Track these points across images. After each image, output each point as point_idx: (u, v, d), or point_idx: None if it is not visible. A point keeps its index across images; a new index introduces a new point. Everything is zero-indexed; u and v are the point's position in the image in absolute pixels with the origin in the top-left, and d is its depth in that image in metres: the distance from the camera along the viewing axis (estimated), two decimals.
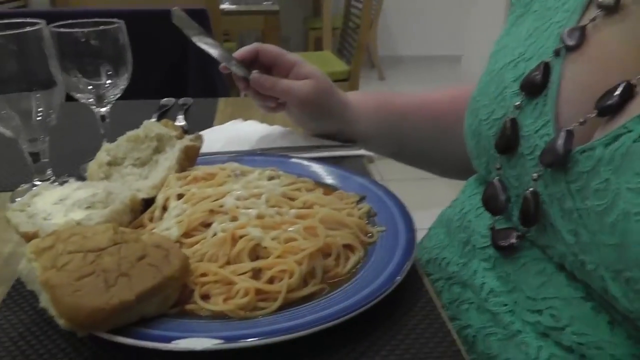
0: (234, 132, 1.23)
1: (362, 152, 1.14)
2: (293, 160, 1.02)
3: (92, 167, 0.90)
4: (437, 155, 1.17)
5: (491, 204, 0.77)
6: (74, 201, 0.79)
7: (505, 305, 0.74)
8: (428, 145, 1.17)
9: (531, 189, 0.68)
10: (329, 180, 0.95)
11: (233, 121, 1.31)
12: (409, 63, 7.20)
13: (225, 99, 1.59)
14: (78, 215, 0.76)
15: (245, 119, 1.32)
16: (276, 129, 1.24)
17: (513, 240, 0.73)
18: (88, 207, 0.78)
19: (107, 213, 0.76)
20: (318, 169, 0.99)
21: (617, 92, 0.63)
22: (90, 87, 1.04)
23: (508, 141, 0.73)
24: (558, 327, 0.67)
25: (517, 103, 0.73)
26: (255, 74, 1.09)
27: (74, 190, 0.82)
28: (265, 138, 1.18)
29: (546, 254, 0.71)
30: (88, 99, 1.05)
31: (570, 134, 0.65)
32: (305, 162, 1.01)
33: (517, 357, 0.71)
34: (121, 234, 0.66)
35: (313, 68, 1.10)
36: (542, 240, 0.70)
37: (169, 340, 0.59)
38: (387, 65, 6.72)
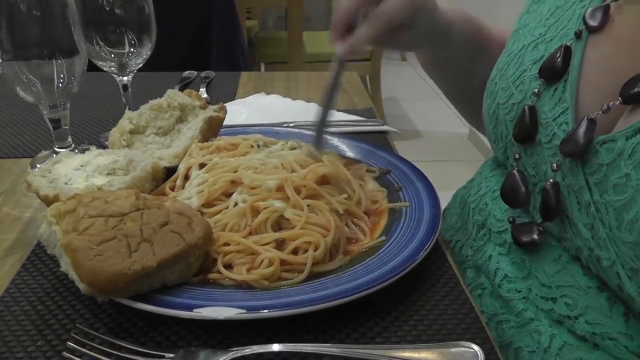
0: (257, 106, 1.22)
1: (385, 127, 1.12)
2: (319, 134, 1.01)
3: (114, 134, 0.89)
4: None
5: (510, 196, 0.73)
6: (95, 167, 0.78)
7: (519, 291, 0.71)
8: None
9: (551, 181, 0.65)
10: (353, 154, 0.94)
11: (256, 95, 1.30)
12: None
13: (248, 73, 1.58)
14: (99, 180, 0.75)
15: (268, 93, 1.31)
16: (299, 103, 1.23)
17: (535, 237, 0.69)
18: (109, 174, 0.77)
19: (128, 180, 0.75)
20: (342, 143, 0.97)
21: None
22: (113, 55, 1.03)
23: (527, 130, 0.69)
24: (572, 316, 0.65)
25: (536, 90, 0.69)
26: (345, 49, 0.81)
27: (95, 157, 0.81)
28: (288, 112, 1.17)
29: (562, 245, 0.68)
30: (110, 67, 1.04)
31: (592, 122, 0.61)
32: (330, 136, 0.99)
33: (530, 345, 0.68)
34: (143, 200, 0.65)
35: None
36: (559, 232, 0.67)
37: (191, 308, 0.57)
38: None
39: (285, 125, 1.09)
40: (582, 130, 0.61)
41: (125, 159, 0.79)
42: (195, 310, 0.57)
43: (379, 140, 1.06)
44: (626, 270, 0.57)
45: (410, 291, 0.67)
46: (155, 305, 0.58)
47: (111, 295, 0.58)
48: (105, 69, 1.04)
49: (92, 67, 0.97)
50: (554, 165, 0.64)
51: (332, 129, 1.06)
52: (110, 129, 0.91)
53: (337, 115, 1.17)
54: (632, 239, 0.55)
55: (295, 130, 1.04)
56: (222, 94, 1.37)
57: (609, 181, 0.58)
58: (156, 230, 0.61)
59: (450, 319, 0.63)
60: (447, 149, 3.35)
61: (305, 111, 1.19)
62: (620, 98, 0.59)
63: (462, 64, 0.99)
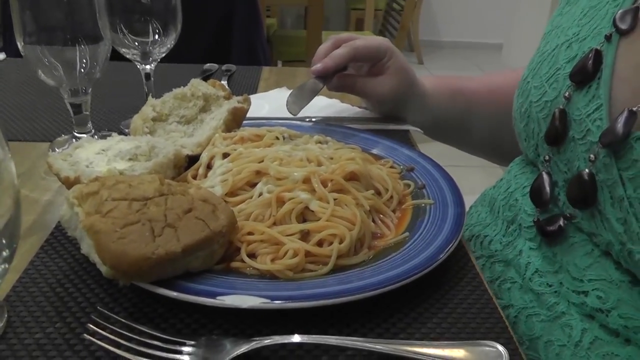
0: (279, 100, 1.20)
1: (408, 127, 1.11)
2: (341, 129, 1.00)
3: (137, 121, 0.88)
4: (500, 140, 1.14)
5: (536, 195, 0.75)
6: (116, 152, 0.77)
7: (550, 285, 0.72)
8: (491, 130, 1.15)
9: (587, 171, 0.65)
10: (377, 150, 0.93)
11: (277, 89, 1.29)
12: (448, 49, 7.13)
13: (269, 67, 1.57)
14: (121, 165, 0.74)
15: (290, 89, 1.30)
16: (321, 99, 1.22)
17: (561, 224, 0.70)
18: (131, 159, 0.77)
19: (150, 165, 0.74)
20: (366, 139, 0.96)
21: None
22: (137, 43, 1.02)
23: (557, 132, 0.71)
24: (604, 309, 0.65)
25: (567, 94, 0.70)
26: (333, 82, 1.08)
27: (116, 142, 0.80)
28: (310, 107, 1.16)
29: (592, 241, 0.68)
30: (133, 55, 1.03)
31: (632, 114, 0.61)
32: (354, 132, 0.99)
33: (561, 339, 0.68)
34: (167, 186, 0.64)
35: (399, 63, 1.07)
36: (589, 227, 0.67)
37: (214, 295, 0.56)
38: (427, 50, 6.65)
39: (308, 120, 1.08)
40: (621, 121, 0.61)
41: (147, 145, 0.78)
42: (218, 297, 0.56)
43: (401, 139, 1.05)
44: None
45: (434, 289, 0.66)
46: (178, 291, 0.57)
47: (133, 280, 0.57)
48: (128, 57, 1.04)
49: (114, 56, 0.97)
50: (592, 156, 0.65)
51: (356, 125, 1.05)
52: (131, 117, 0.91)
53: (360, 113, 1.16)
54: None
55: (318, 125, 1.03)
56: (244, 88, 1.36)
57: None
58: (180, 216, 0.60)
59: (474, 318, 0.62)
60: (462, 153, 3.35)
61: (327, 107, 1.18)
62: None
63: (454, 125, 1.16)
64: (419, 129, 1.11)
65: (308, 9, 3.38)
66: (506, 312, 0.76)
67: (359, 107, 1.19)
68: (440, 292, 0.66)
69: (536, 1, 4.19)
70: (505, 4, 5.57)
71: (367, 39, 1.07)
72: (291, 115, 1.07)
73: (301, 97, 1.05)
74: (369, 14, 4.97)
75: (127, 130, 0.96)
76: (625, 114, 0.61)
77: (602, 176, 0.64)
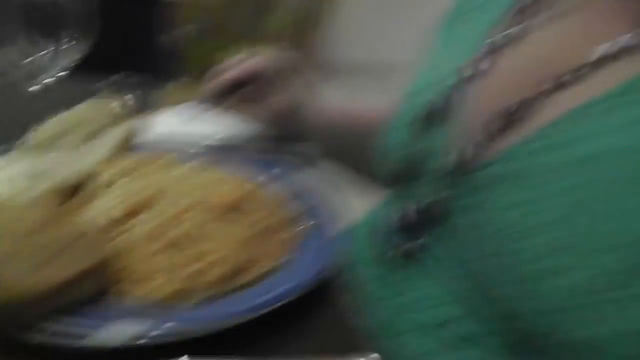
0: (181, 118, 1.19)
1: (305, 148, 1.11)
2: (234, 153, 1.02)
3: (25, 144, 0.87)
4: None
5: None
6: (7, 174, 0.76)
7: None
8: None
9: (432, 200, 0.68)
10: (268, 174, 0.94)
11: (182, 105, 1.27)
12: (351, 69, 7.11)
13: (177, 81, 1.54)
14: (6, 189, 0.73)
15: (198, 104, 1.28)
16: (216, 120, 1.20)
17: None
18: (14, 183, 0.76)
19: (37, 191, 0.73)
20: (258, 162, 0.98)
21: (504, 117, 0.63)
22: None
23: (407, 173, 0.74)
24: None
25: (419, 135, 0.73)
26: (229, 101, 1.07)
27: (9, 163, 0.79)
28: (205, 128, 1.15)
29: None
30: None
31: (478, 145, 0.65)
32: (247, 156, 1.01)
33: None
34: (45, 218, 0.63)
35: (300, 80, 1.07)
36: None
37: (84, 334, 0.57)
38: (331, 69, 6.64)
39: (202, 143, 1.07)
40: (468, 151, 0.64)
41: (33, 169, 0.78)
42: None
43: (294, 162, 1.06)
44: None
45: (322, 304, 0.69)
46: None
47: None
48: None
49: None
50: (441, 186, 0.67)
51: (249, 149, 1.07)
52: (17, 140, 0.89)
53: (255, 134, 1.15)
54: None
55: (212, 149, 1.05)
56: (149, 102, 1.33)
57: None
58: (54, 253, 0.60)
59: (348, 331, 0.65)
60: None
61: (221, 128, 1.17)
62: (482, 134, 0.64)
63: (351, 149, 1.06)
64: (315, 150, 1.12)
65: (218, 24, 3.34)
66: None
67: (254, 127, 1.18)
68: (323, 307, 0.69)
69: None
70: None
71: (266, 57, 1.07)
72: (192, 136, 1.07)
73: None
74: (277, 31, 4.92)
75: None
76: (470, 145, 0.64)
77: (452, 203, 0.66)
